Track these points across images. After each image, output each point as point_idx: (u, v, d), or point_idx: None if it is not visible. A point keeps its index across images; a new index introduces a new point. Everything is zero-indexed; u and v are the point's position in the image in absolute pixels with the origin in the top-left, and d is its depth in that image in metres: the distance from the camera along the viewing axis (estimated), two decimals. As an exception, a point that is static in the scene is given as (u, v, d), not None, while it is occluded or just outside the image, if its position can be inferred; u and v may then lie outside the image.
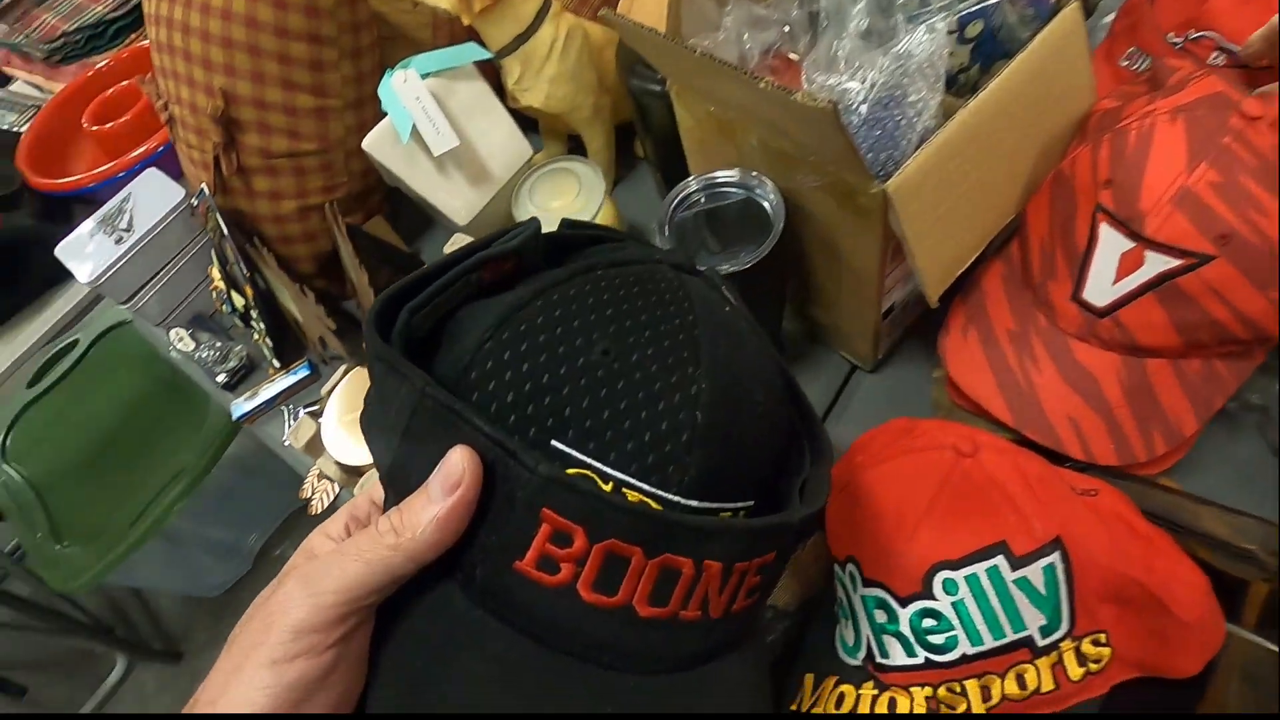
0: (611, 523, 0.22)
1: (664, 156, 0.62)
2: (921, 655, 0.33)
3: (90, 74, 1.01)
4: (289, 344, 0.71)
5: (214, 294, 0.73)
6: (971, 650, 0.32)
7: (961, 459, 0.35)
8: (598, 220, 0.58)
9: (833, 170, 0.40)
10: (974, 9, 0.43)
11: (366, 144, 0.59)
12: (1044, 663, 0.32)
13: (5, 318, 0.94)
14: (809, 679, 0.38)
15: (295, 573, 0.23)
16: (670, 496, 0.23)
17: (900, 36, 0.39)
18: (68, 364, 1.23)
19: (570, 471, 0.23)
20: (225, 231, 0.64)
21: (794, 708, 0.37)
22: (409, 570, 0.23)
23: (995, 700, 0.32)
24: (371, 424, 0.27)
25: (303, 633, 0.22)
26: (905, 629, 0.34)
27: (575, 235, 0.31)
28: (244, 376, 0.73)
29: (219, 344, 0.73)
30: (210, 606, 1.50)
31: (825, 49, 0.41)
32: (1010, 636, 0.32)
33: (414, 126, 0.58)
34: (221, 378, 0.72)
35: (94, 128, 0.93)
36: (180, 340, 0.73)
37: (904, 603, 0.33)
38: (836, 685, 0.36)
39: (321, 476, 0.58)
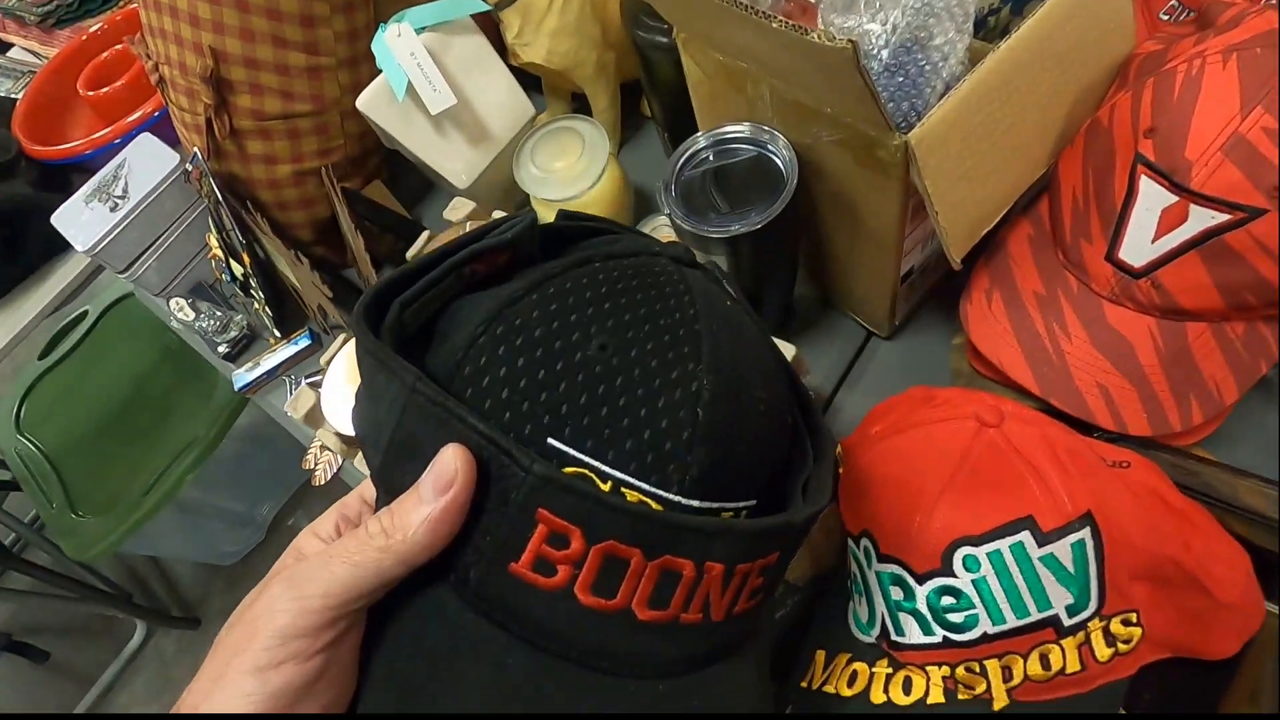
0: (610, 523, 0.21)
1: (671, 114, 0.59)
2: (939, 634, 0.32)
3: (84, 38, 0.99)
4: (290, 313, 0.69)
5: (213, 262, 0.71)
6: (993, 629, 0.31)
7: (985, 429, 0.33)
8: (602, 182, 0.56)
9: (850, 122, 0.38)
10: (1006, -57, 0.40)
11: (360, 103, 0.57)
12: (1070, 643, 0.30)
13: (8, 289, 0.93)
14: (820, 655, 0.36)
15: (281, 575, 0.23)
16: (671, 496, 0.22)
17: (925, -27, 0.36)
18: (78, 335, 1.23)
19: (567, 470, 0.22)
20: (220, 197, 0.63)
21: (804, 685, 0.36)
22: (399, 573, 0.22)
23: (1016, 681, 0.31)
24: (361, 420, 0.26)
25: (288, 638, 0.21)
26: (922, 606, 0.32)
27: (572, 227, 0.30)
28: (245, 346, 0.72)
29: (219, 313, 0.72)
30: (226, 574, 1.52)
31: (843, -11, 0.38)
32: (1035, 615, 0.30)
33: (410, 84, 0.55)
34: (223, 348, 0.71)
35: (89, 93, 0.91)
36: (180, 310, 0.72)
37: (921, 580, 0.32)
38: (849, 663, 0.35)
39: (324, 448, 0.57)
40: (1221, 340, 0.39)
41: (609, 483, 0.22)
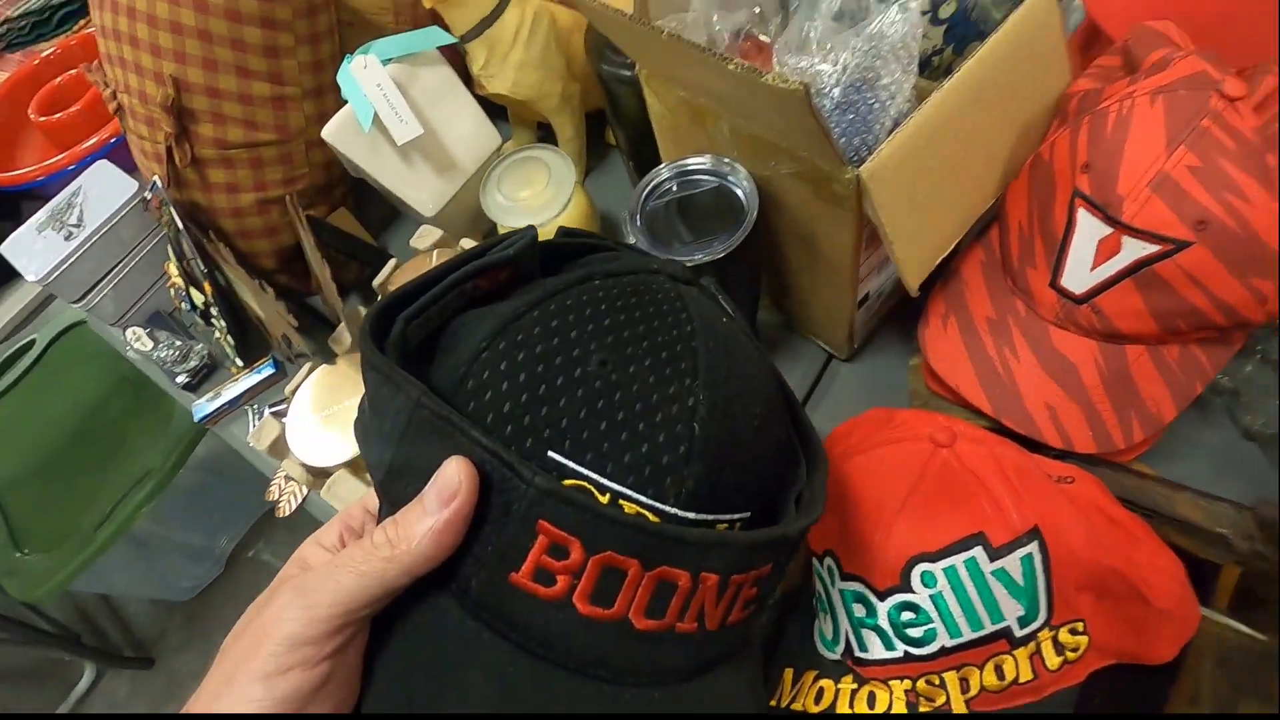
0: (608, 535, 0.22)
1: (635, 144, 0.60)
2: (900, 648, 0.33)
3: (36, 62, 0.97)
4: (252, 341, 0.68)
5: (172, 291, 0.70)
6: (950, 642, 0.32)
7: (939, 449, 0.34)
8: (569, 210, 0.57)
9: (805, 156, 0.39)
10: (946, -11, 0.42)
11: (326, 133, 0.57)
12: (1022, 653, 0.32)
13: (-47, 319, 0.89)
14: (788, 673, 0.37)
15: (289, 584, 0.23)
16: (667, 508, 0.23)
17: (872, 17, 0.38)
18: (25, 365, 1.19)
19: (567, 483, 0.22)
20: (181, 226, 0.62)
21: (773, 703, 0.36)
22: (404, 583, 0.23)
23: (974, 692, 0.32)
24: (366, 433, 0.26)
25: (296, 645, 0.22)
26: (884, 622, 0.33)
27: (571, 244, 0.30)
28: (206, 376, 0.71)
29: (178, 343, 0.70)
30: (183, 610, 1.47)
31: (797, 30, 0.40)
32: (989, 628, 0.31)
33: (376, 115, 0.56)
34: (182, 378, 0.69)
35: (42, 119, 0.90)
36: (137, 340, 0.70)
37: (882, 596, 0.33)
38: (816, 680, 0.36)
39: (288, 479, 0.56)
40: (1158, 362, 0.42)
41: (607, 495, 0.23)
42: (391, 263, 0.63)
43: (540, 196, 0.58)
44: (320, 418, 0.56)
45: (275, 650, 0.21)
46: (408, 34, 0.58)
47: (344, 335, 0.60)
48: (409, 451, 0.23)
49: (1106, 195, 0.38)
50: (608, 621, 0.22)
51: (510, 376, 0.23)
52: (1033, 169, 0.43)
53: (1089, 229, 0.39)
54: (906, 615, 0.32)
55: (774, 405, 0.28)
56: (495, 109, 0.66)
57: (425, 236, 0.62)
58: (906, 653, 0.33)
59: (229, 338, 0.66)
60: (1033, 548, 0.31)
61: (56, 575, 1.07)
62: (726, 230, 0.43)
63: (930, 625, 0.32)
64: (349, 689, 0.23)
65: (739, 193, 0.45)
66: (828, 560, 0.36)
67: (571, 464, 0.23)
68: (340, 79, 0.57)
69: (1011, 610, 0.31)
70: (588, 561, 0.21)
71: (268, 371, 0.66)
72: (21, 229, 0.68)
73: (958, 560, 0.32)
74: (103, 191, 0.68)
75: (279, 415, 0.59)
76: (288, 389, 0.59)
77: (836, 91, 0.39)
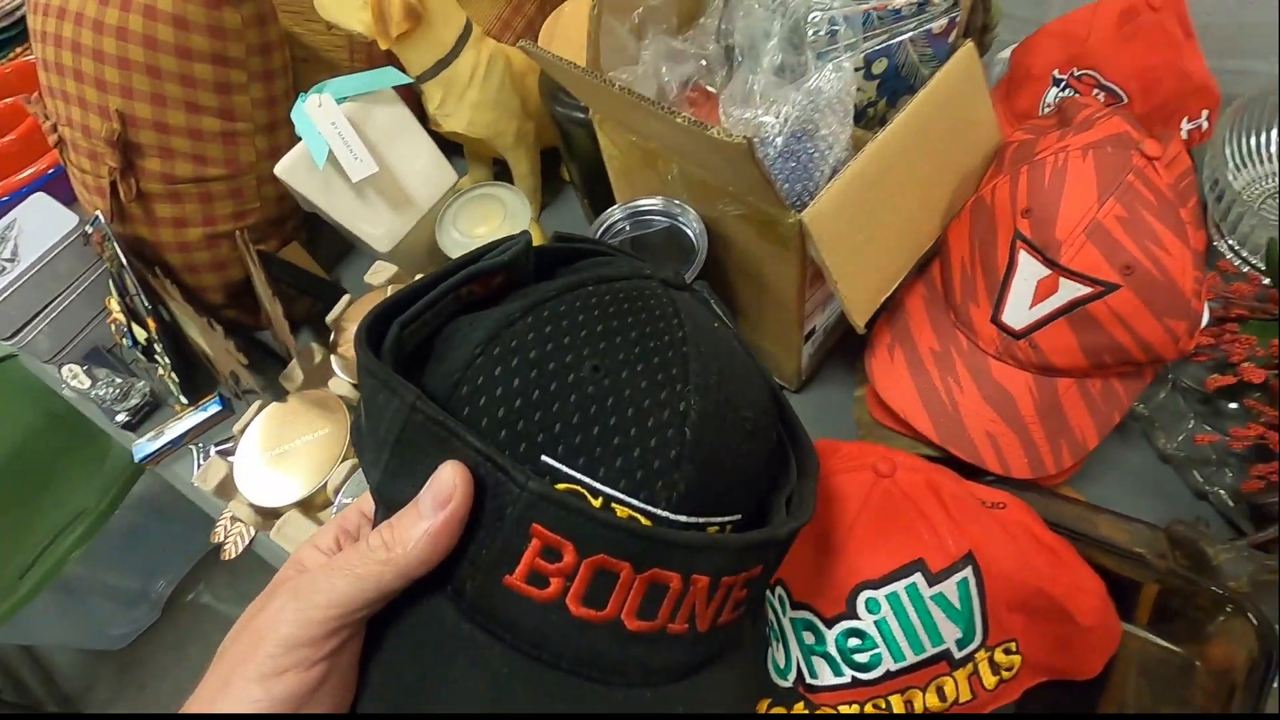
0: (600, 538, 0.22)
1: (589, 182, 0.62)
2: (848, 674, 0.34)
3: (-31, 90, 0.93)
4: (198, 378, 0.67)
5: (113, 327, 0.68)
6: (894, 666, 0.33)
7: (881, 479, 0.36)
8: (524, 247, 0.58)
9: (751, 201, 0.41)
10: (878, 48, 0.45)
11: (279, 170, 0.57)
12: (961, 674, 0.33)
13: None
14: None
15: (285, 586, 0.23)
16: (659, 511, 0.23)
17: (811, 73, 0.41)
18: (-54, 402, 1.12)
19: (560, 487, 0.23)
20: (124, 261, 0.60)
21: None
22: (399, 585, 0.23)
23: (918, 713, 0.33)
24: (362, 438, 0.26)
25: (292, 647, 0.22)
26: (832, 649, 0.34)
27: (565, 249, 0.31)
28: (147, 414, 0.69)
29: (118, 380, 0.68)
30: (116, 659, 1.38)
31: (741, 84, 0.42)
32: (930, 651, 0.33)
33: (330, 152, 0.56)
34: (121, 417, 0.67)
35: (-27, 148, 0.86)
36: (74, 377, 0.68)
37: (830, 623, 0.34)
38: (770, 707, 0.37)
39: (235, 520, 0.55)
40: (1084, 393, 0.45)
41: (600, 499, 0.23)
42: (345, 298, 0.63)
43: (496, 233, 0.59)
44: (270, 457, 0.55)
45: (272, 652, 0.22)
46: (363, 74, 0.59)
47: (295, 372, 0.60)
48: (404, 456, 0.24)
49: (1046, 239, 0.41)
50: (600, 623, 0.22)
51: (504, 382, 0.24)
52: (974, 210, 0.46)
53: (1029, 270, 0.42)
54: (853, 641, 0.34)
55: (765, 409, 0.28)
56: (452, 145, 0.67)
57: (380, 272, 0.62)
58: (854, 678, 0.34)
59: (173, 374, 0.65)
60: (968, 572, 0.33)
61: (-25, 627, 1.01)
62: (678, 269, 0.45)
63: (876, 650, 0.33)
64: (345, 690, 0.23)
65: (689, 233, 0.46)
66: (779, 589, 0.37)
67: (564, 468, 0.23)
68: (294, 117, 0.57)
69: (950, 633, 0.33)
70: (580, 564, 0.22)
71: (214, 409, 0.65)
72: (-51, 263, 0.66)
73: (899, 586, 0.33)
74: (39, 224, 0.66)
75: (225, 454, 0.57)
76: (236, 427, 0.58)
77: (779, 141, 0.41)
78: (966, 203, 0.47)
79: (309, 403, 0.57)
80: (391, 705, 0.23)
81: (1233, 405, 0.47)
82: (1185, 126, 0.56)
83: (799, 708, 0.36)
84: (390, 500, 0.24)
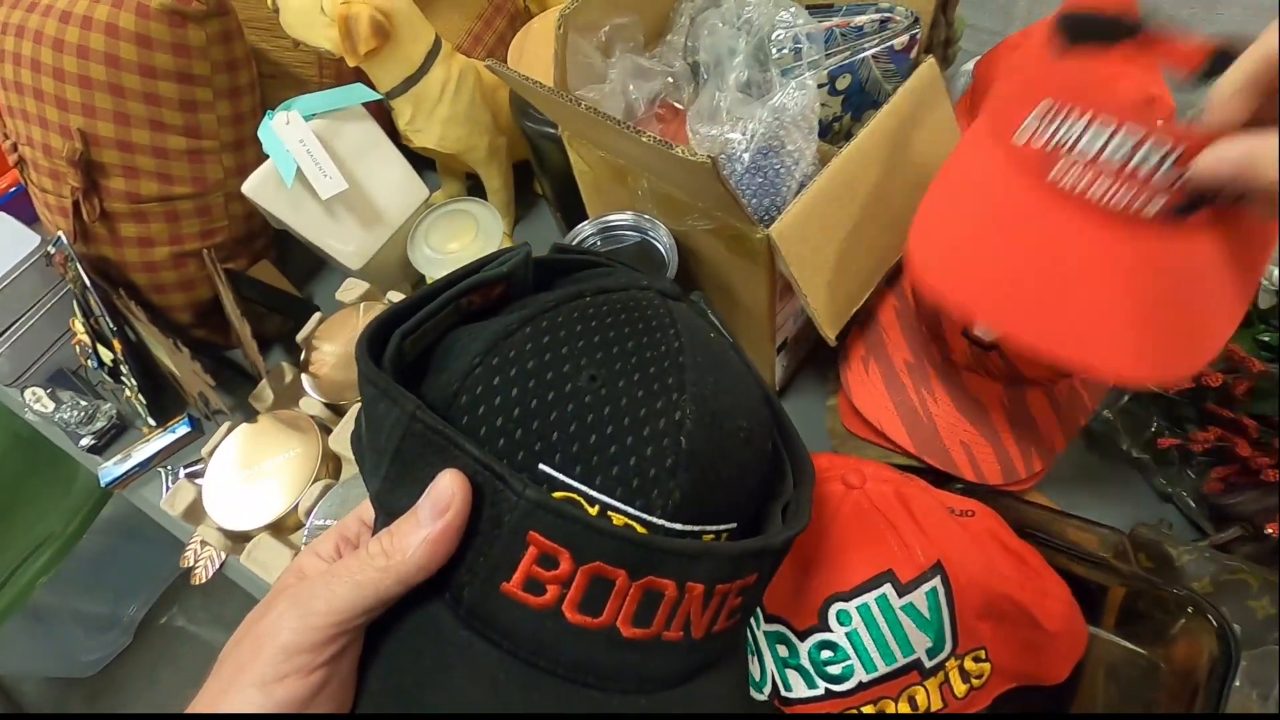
0: (596, 546, 0.22)
1: (561, 196, 0.62)
2: (821, 686, 0.34)
3: (-74, 107, 0.91)
4: (166, 399, 0.65)
5: (77, 348, 0.67)
6: (867, 677, 0.33)
7: (850, 491, 0.36)
8: (497, 262, 0.58)
9: (719, 216, 0.42)
10: (842, 64, 0.46)
11: (247, 189, 0.56)
12: (932, 683, 0.34)
13: None
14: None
15: (285, 593, 0.24)
16: (655, 520, 0.23)
17: (775, 90, 0.41)
18: (-96, 427, 1.09)
19: (557, 495, 0.23)
20: (88, 282, 0.59)
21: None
22: (398, 592, 0.23)
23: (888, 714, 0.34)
24: (361, 448, 0.27)
25: (292, 653, 0.22)
26: (805, 662, 0.34)
27: (564, 260, 0.31)
28: (114, 437, 0.67)
29: (83, 402, 0.67)
30: (86, 686, 1.35)
31: (708, 100, 0.42)
32: (901, 661, 0.33)
33: (299, 170, 0.56)
34: (87, 440, 0.66)
35: (-69, 166, 0.84)
36: (37, 400, 0.66)
37: (802, 636, 0.34)
38: (746, 722, 0.37)
39: (204, 544, 0.54)
40: (1051, 400, 0.46)
41: (596, 507, 0.23)
42: (316, 316, 0.62)
43: (469, 249, 0.59)
44: (240, 479, 0.54)
45: (272, 658, 0.22)
46: (332, 91, 0.59)
47: (265, 392, 0.59)
48: (404, 464, 0.24)
49: None
50: (596, 630, 0.23)
51: (502, 392, 0.24)
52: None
53: None
54: (826, 654, 0.34)
55: (760, 418, 0.28)
56: (424, 160, 0.67)
57: (351, 289, 0.61)
58: (827, 689, 0.34)
59: (140, 396, 0.63)
60: (936, 581, 0.33)
61: (-63, 658, 0.97)
62: (674, 280, 0.45)
63: (848, 662, 0.34)
64: (344, 696, 0.24)
65: (660, 247, 0.47)
66: (753, 603, 0.37)
67: (561, 476, 0.23)
68: (261, 135, 0.57)
69: (920, 642, 0.33)
70: (576, 572, 0.22)
71: (183, 430, 0.64)
72: (-95, 286, 0.64)
73: (870, 598, 0.33)
74: None
75: (194, 477, 0.56)
76: (205, 449, 0.57)
77: (746, 156, 0.41)
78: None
79: (280, 423, 0.56)
80: (389, 711, 0.23)
81: (1192, 409, 0.48)
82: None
83: (775, 721, 0.36)
84: (390, 508, 0.25)
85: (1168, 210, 0.32)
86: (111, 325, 0.60)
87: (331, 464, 0.55)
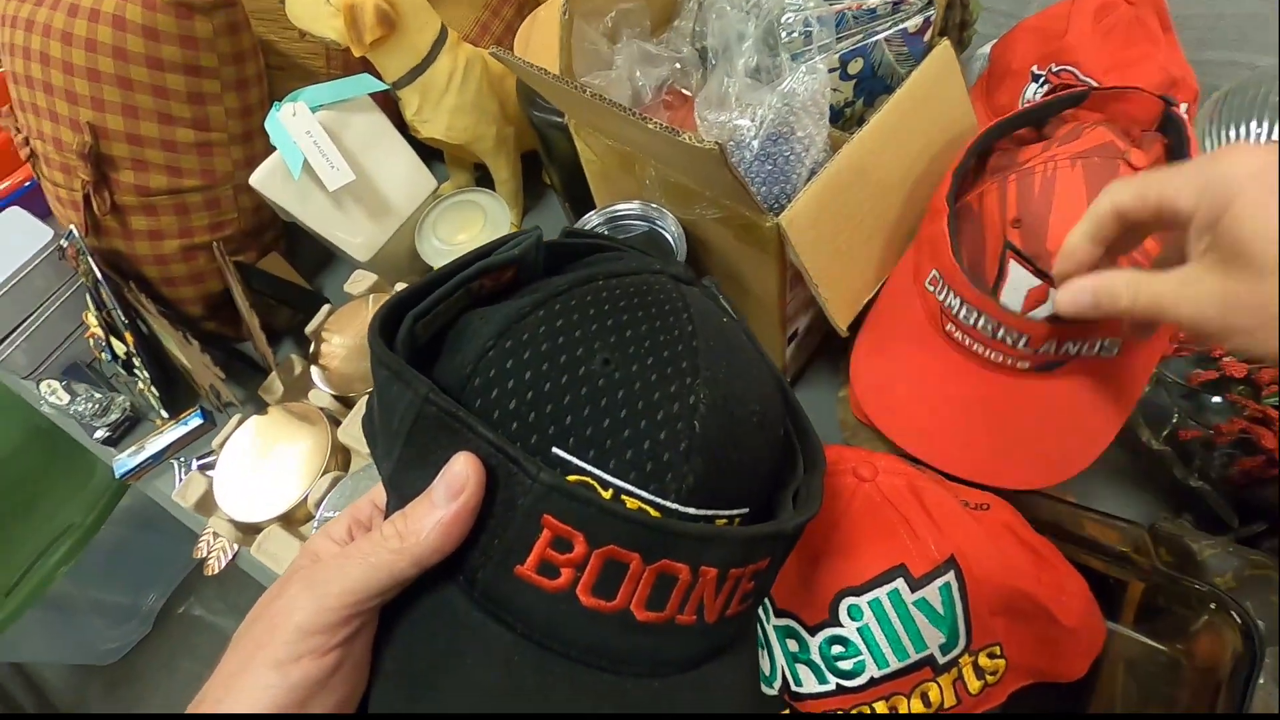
0: (610, 529, 0.22)
1: (570, 186, 0.62)
2: (832, 682, 0.34)
3: (-58, 103, 0.92)
4: (179, 392, 0.66)
5: (91, 341, 0.67)
6: (878, 673, 0.33)
7: (861, 483, 0.36)
8: (504, 253, 0.58)
9: (728, 204, 0.41)
10: (853, 48, 0.45)
11: (254, 181, 0.56)
12: (945, 679, 0.33)
13: None
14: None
15: (300, 575, 0.24)
16: (668, 504, 0.23)
17: (785, 75, 0.41)
18: (-73, 419, 1.11)
19: (570, 478, 0.23)
20: (100, 275, 0.60)
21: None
22: (412, 574, 0.23)
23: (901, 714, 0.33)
24: (373, 431, 0.27)
25: (307, 634, 0.22)
26: (816, 657, 0.34)
27: (575, 244, 0.31)
28: (128, 429, 0.68)
29: (98, 395, 0.67)
30: (106, 674, 1.37)
31: (716, 86, 0.42)
32: (913, 657, 0.33)
33: (306, 161, 0.55)
34: (101, 433, 0.66)
35: (-53, 162, 0.85)
36: (53, 393, 0.67)
37: (813, 631, 0.34)
38: (756, 716, 0.36)
39: (216, 535, 0.54)
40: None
41: (610, 490, 0.23)
42: (325, 309, 0.62)
43: (477, 240, 0.58)
44: (251, 471, 0.54)
45: (287, 639, 0.22)
46: (338, 81, 0.58)
47: (275, 384, 0.59)
48: (417, 447, 0.24)
49: (1036, 250, 0.40)
50: (610, 613, 0.23)
51: (515, 375, 0.24)
52: (961, 217, 0.45)
53: (1019, 279, 0.41)
54: (836, 649, 0.33)
55: (773, 403, 0.28)
56: (432, 151, 0.66)
57: (359, 281, 0.61)
58: (838, 685, 0.34)
59: (153, 388, 0.64)
60: (950, 577, 0.33)
61: (-39, 646, 0.99)
62: (687, 264, 0.44)
63: (859, 657, 0.33)
64: (358, 677, 0.24)
65: (668, 236, 0.46)
66: (763, 596, 0.37)
67: (575, 460, 0.23)
68: (268, 126, 0.56)
69: (933, 638, 0.33)
70: (590, 555, 0.22)
71: (195, 423, 0.64)
72: (-78, 280, 0.65)
73: (881, 593, 0.33)
74: (13, 239, 0.65)
75: (206, 469, 0.57)
76: (215, 442, 0.57)
77: (755, 143, 0.41)
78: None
79: (289, 415, 0.56)
80: (403, 692, 0.23)
81: (1216, 399, 0.47)
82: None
83: (784, 714, 0.35)
84: (403, 491, 0.25)
85: (1033, 368, 0.40)
86: (123, 318, 0.61)
87: (341, 456, 0.55)
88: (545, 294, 0.26)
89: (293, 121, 0.56)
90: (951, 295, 0.40)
